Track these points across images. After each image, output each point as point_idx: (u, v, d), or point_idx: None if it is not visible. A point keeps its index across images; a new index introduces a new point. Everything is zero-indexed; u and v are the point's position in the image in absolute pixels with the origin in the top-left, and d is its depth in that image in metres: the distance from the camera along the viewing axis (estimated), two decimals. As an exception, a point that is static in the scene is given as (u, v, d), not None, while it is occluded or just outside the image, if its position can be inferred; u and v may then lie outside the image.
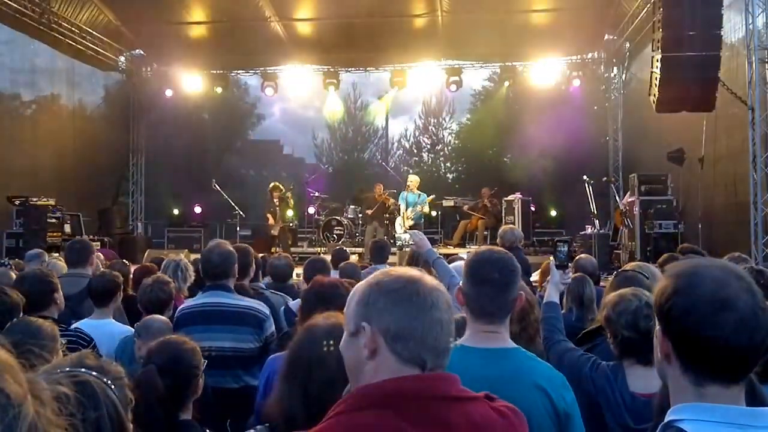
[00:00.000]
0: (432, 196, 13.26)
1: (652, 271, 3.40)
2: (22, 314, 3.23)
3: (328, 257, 6.14)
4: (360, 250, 13.00)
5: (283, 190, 13.27)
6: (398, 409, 1.29)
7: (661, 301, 1.29)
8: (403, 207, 12.86)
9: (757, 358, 1.24)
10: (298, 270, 5.85)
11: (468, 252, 11.46)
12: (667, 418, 1.27)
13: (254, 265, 4.58)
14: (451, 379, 1.38)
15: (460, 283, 2.27)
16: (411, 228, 11.81)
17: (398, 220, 12.87)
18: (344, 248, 7.44)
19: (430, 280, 1.42)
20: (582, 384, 2.55)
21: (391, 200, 13.33)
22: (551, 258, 3.39)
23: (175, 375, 2.30)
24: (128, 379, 1.61)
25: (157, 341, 2.62)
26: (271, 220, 13.16)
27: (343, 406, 1.34)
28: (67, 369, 1.48)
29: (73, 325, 3.73)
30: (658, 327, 1.32)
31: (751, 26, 10.21)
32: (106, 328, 3.83)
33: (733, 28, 10.97)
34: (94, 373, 1.49)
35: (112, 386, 1.49)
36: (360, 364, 1.37)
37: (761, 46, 10.21)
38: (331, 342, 1.69)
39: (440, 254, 4.17)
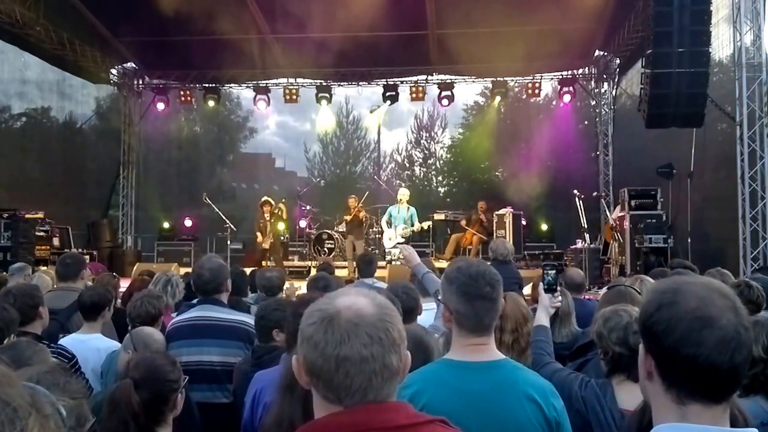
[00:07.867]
0: (428, 223, 13.17)
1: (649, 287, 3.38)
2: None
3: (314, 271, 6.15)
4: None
5: (274, 205, 13.14)
6: None
7: (644, 317, 1.27)
8: (384, 219, 12.77)
9: (739, 377, 1.21)
10: (288, 284, 5.86)
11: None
12: None
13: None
14: (401, 407, 1.31)
15: (441, 299, 2.23)
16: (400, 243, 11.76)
17: (386, 234, 12.77)
18: (330, 263, 7.42)
19: (354, 311, 1.26)
20: (572, 403, 2.53)
21: (363, 213, 13.16)
22: (541, 272, 3.39)
23: (152, 389, 2.25)
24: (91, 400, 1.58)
25: (136, 355, 2.58)
26: (260, 237, 12.71)
27: None
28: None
29: (61, 340, 3.70)
30: (641, 344, 1.30)
31: (739, 43, 10.34)
32: (93, 343, 3.79)
33: (721, 44, 11.11)
34: (40, 388, 1.46)
35: (59, 406, 1.46)
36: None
37: (749, 63, 10.33)
38: None
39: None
